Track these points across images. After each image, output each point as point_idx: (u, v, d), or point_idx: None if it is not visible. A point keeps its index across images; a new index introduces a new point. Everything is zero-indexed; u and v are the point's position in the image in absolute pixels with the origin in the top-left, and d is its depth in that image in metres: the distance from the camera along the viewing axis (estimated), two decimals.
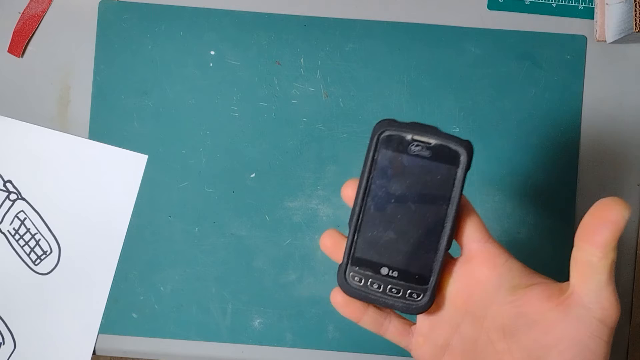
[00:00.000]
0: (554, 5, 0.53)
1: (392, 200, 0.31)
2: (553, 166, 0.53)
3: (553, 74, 0.53)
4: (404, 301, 0.31)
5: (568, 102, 0.53)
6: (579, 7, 0.53)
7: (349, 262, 0.32)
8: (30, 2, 0.54)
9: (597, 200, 0.26)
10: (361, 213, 0.31)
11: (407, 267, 0.31)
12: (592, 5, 0.53)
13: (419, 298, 0.31)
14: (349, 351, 0.53)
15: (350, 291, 0.32)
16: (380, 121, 0.31)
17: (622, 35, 0.50)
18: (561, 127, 0.53)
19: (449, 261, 0.32)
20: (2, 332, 0.54)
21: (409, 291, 0.31)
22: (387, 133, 0.31)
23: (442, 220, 0.31)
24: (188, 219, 0.54)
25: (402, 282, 0.31)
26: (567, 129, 0.53)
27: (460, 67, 0.53)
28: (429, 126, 0.31)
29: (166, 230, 0.54)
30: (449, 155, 0.30)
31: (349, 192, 0.32)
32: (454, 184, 0.30)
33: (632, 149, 0.53)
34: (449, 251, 0.32)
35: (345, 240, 0.32)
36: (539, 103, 0.53)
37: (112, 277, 0.54)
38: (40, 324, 0.54)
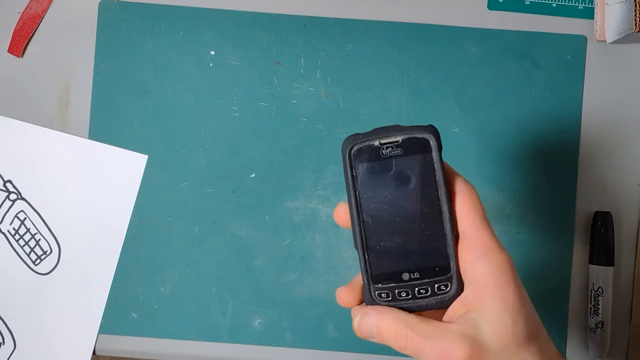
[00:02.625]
0: (554, 5, 0.53)
1: (386, 207, 0.31)
2: (553, 166, 0.53)
3: (553, 74, 0.53)
4: (435, 297, 0.31)
5: (568, 102, 0.53)
6: (579, 7, 0.53)
7: (370, 282, 0.32)
8: (30, 2, 0.54)
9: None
10: (362, 231, 0.32)
11: (425, 263, 0.31)
12: (592, 5, 0.53)
13: (448, 288, 0.31)
14: (349, 351, 0.53)
15: None
16: (345, 139, 0.32)
17: (622, 35, 0.50)
18: (561, 127, 0.53)
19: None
20: (2, 332, 0.54)
21: (436, 285, 0.31)
22: (356, 147, 0.32)
23: (438, 205, 0.31)
24: (188, 219, 0.54)
25: (426, 280, 0.31)
26: (567, 129, 0.53)
27: (460, 67, 0.53)
28: (390, 126, 0.31)
29: (166, 230, 0.54)
30: (419, 145, 0.31)
31: (342, 215, 0.33)
32: (434, 168, 0.31)
33: (632, 149, 0.53)
34: None
35: (352, 289, 0.33)
36: (539, 103, 0.53)
37: (112, 277, 0.54)
38: (40, 324, 0.54)
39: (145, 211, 0.54)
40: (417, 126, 0.31)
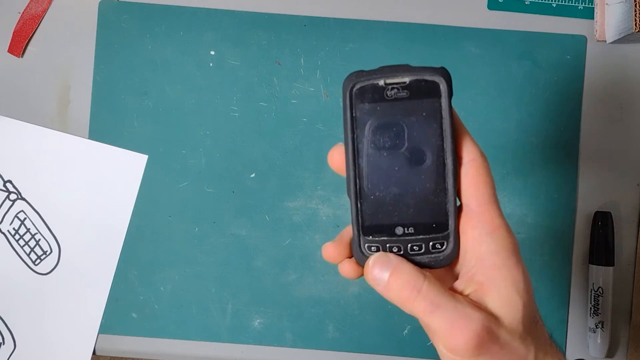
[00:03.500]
0: (554, 5, 0.53)
1: (385, 154, 0.29)
2: (553, 166, 0.53)
3: (553, 74, 0.53)
4: (429, 256, 0.29)
5: (568, 102, 0.53)
6: (579, 7, 0.53)
7: (360, 233, 0.29)
8: (30, 2, 0.54)
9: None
10: (357, 178, 0.29)
11: (422, 218, 0.29)
12: (592, 5, 0.53)
13: (444, 247, 0.29)
14: (349, 351, 0.53)
15: None
16: (348, 76, 0.29)
17: (622, 35, 0.50)
18: (561, 127, 0.53)
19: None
20: (2, 332, 0.54)
21: (431, 243, 0.29)
22: (358, 86, 0.28)
23: (442, 157, 0.28)
24: (188, 219, 0.54)
25: (421, 237, 0.29)
26: (567, 129, 0.53)
27: (460, 67, 0.53)
28: (399, 65, 0.28)
29: (166, 230, 0.54)
30: (427, 88, 0.28)
31: (337, 159, 0.30)
32: (442, 115, 0.28)
33: (632, 149, 0.53)
34: None
35: (340, 244, 0.31)
36: (539, 103, 0.53)
37: (112, 277, 0.54)
38: (40, 324, 0.54)
39: (145, 211, 0.54)
40: (428, 67, 0.28)
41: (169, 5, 0.54)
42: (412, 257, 0.29)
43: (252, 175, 0.54)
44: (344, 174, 0.30)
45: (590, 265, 0.52)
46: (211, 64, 0.54)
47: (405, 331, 0.53)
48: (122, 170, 0.54)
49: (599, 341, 0.51)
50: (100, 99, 0.54)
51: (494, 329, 0.26)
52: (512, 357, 0.27)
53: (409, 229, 0.29)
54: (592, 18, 0.53)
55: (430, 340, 0.54)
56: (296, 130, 0.53)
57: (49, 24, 0.55)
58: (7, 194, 0.54)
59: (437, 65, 0.29)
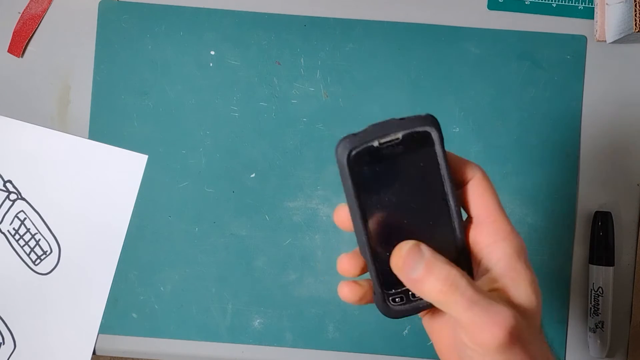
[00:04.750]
0: (554, 5, 0.53)
1: (392, 211, 0.29)
2: (553, 166, 0.53)
3: (553, 74, 0.53)
4: None
5: (568, 102, 0.53)
6: (579, 7, 0.53)
7: (383, 289, 0.30)
8: (30, 2, 0.54)
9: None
10: (369, 239, 0.30)
11: None
12: (592, 5, 0.53)
13: None
14: (349, 351, 0.53)
15: (397, 313, 0.31)
16: (339, 143, 0.29)
17: (622, 35, 0.50)
18: (561, 127, 0.53)
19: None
20: (2, 332, 0.54)
21: None
22: (354, 152, 0.29)
23: (445, 200, 0.29)
24: (188, 219, 0.54)
25: None
26: (567, 129, 0.53)
27: (460, 67, 0.53)
28: (386, 122, 0.29)
29: (166, 230, 0.54)
30: (420, 139, 0.29)
31: (343, 218, 0.31)
32: (437, 162, 0.29)
33: (632, 149, 0.53)
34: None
35: (355, 257, 0.32)
36: (539, 103, 0.53)
37: (112, 277, 0.54)
38: (40, 324, 0.54)
39: (145, 211, 0.54)
40: (414, 117, 0.29)
41: (169, 5, 0.54)
42: None
43: (252, 175, 0.54)
44: (350, 230, 0.31)
45: (590, 265, 0.52)
46: (211, 64, 0.54)
47: (405, 331, 0.53)
48: (122, 170, 0.54)
49: (599, 341, 0.51)
50: (100, 99, 0.54)
51: (523, 327, 0.27)
52: (533, 355, 0.27)
53: None
54: (592, 18, 0.53)
55: (430, 341, 0.54)
56: (296, 130, 0.53)
57: (49, 24, 0.55)
58: (7, 194, 0.54)
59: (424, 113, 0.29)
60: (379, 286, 0.30)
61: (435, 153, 0.29)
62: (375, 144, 0.29)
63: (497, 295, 0.29)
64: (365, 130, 0.29)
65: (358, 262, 0.32)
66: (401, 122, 0.29)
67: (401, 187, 0.29)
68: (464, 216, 0.31)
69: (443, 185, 0.29)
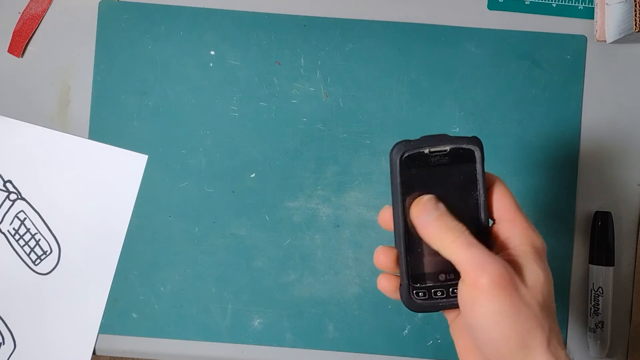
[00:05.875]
0: (554, 5, 0.53)
1: None
2: (553, 166, 0.53)
3: (553, 74, 0.53)
4: None
5: (568, 102, 0.53)
6: (579, 7, 0.53)
7: (410, 282, 0.34)
8: (30, 2, 0.54)
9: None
10: (406, 234, 0.33)
11: None
12: (592, 5, 0.53)
13: None
14: (349, 351, 0.53)
15: (419, 307, 0.34)
16: (395, 145, 0.33)
17: (622, 35, 0.50)
18: (561, 127, 0.53)
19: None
20: (2, 332, 0.54)
21: None
22: (407, 154, 0.33)
23: (478, 213, 0.33)
24: (188, 219, 0.54)
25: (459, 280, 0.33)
26: (567, 129, 0.53)
27: (460, 67, 0.53)
28: (438, 135, 0.33)
29: (166, 230, 0.54)
30: (465, 155, 0.33)
31: (387, 217, 0.35)
32: (476, 178, 0.33)
33: (632, 149, 0.53)
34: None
35: (391, 251, 0.35)
36: (539, 103, 0.53)
37: (112, 277, 0.54)
38: (40, 324, 0.54)
39: (145, 211, 0.54)
40: (463, 137, 0.33)
41: (169, 5, 0.54)
42: (452, 299, 0.33)
43: (252, 175, 0.54)
44: (391, 229, 0.34)
45: (590, 265, 0.52)
46: (211, 64, 0.54)
47: (405, 331, 0.53)
48: (122, 170, 0.54)
49: (599, 341, 0.51)
50: (100, 99, 0.54)
51: (515, 279, 0.30)
52: (528, 314, 0.30)
53: (450, 275, 0.33)
54: (592, 18, 0.53)
55: (430, 340, 0.54)
56: (296, 130, 0.53)
57: (49, 24, 0.55)
58: (7, 194, 0.54)
59: (471, 135, 0.34)
60: (406, 278, 0.34)
61: (475, 169, 0.33)
62: (426, 151, 0.33)
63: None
64: (419, 139, 0.33)
65: (392, 255, 0.35)
66: (451, 138, 0.33)
67: (440, 191, 0.33)
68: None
69: (477, 199, 0.33)
